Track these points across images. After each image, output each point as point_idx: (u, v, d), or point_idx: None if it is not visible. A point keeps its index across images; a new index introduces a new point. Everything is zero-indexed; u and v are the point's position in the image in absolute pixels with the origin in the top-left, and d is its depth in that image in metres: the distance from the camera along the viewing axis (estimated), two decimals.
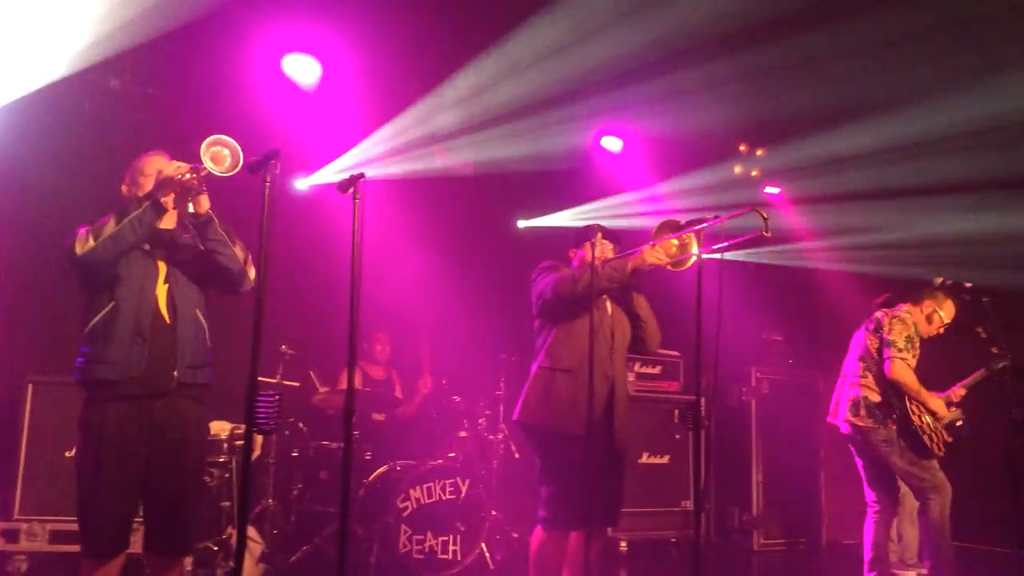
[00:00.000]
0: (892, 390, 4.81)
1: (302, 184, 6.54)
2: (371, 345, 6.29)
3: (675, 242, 3.75)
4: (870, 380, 4.92)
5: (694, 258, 3.61)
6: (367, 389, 5.91)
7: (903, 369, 4.78)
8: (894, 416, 4.79)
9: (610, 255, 3.95)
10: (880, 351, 4.88)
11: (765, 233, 3.23)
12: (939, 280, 4.76)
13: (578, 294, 3.72)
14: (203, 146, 3.03)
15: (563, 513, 3.70)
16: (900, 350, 4.80)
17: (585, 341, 3.65)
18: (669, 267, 3.75)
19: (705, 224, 3.52)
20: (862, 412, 4.87)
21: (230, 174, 3.04)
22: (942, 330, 5.13)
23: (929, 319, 5.06)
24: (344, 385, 3.11)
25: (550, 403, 3.76)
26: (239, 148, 3.03)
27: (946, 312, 5.08)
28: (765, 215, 3.26)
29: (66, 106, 5.54)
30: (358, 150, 6.30)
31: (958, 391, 5.42)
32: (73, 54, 5.11)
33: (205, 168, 3.05)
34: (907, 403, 4.79)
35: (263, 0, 5.66)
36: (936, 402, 4.90)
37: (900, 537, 5.89)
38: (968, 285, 4.66)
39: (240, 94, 6.01)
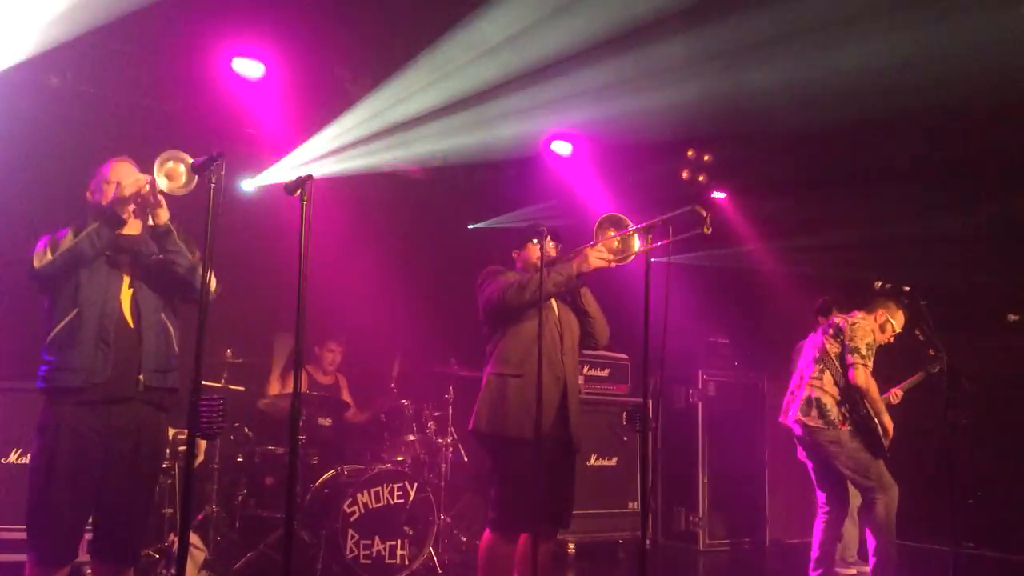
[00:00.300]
0: (853, 393, 4.89)
1: (249, 185, 6.45)
2: (322, 353, 6.23)
3: (616, 240, 3.79)
4: (825, 382, 4.98)
5: (635, 253, 3.70)
6: (314, 393, 5.85)
7: (867, 376, 4.87)
8: (847, 418, 4.87)
9: (554, 254, 3.97)
10: (842, 357, 4.95)
11: (706, 230, 3.28)
12: (878, 284, 4.83)
13: (526, 301, 3.75)
14: (157, 162, 3.05)
15: (513, 515, 3.71)
16: (863, 356, 4.88)
17: (534, 345, 3.65)
18: (612, 265, 3.79)
19: (644, 225, 3.58)
20: (813, 412, 4.93)
21: (186, 191, 3.07)
22: (893, 339, 5.24)
23: (882, 328, 5.14)
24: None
25: (504, 410, 3.75)
26: (191, 160, 3.03)
27: (898, 321, 5.18)
28: (704, 212, 3.30)
29: (2, 105, 5.38)
30: (306, 151, 6.22)
31: (896, 393, 5.55)
32: (8, 49, 4.96)
33: (159, 186, 3.06)
34: (865, 404, 4.88)
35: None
36: (887, 416, 4.99)
37: (840, 536, 6.00)
38: (906, 288, 4.75)
39: (186, 94, 5.89)
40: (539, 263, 3.76)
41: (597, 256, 3.76)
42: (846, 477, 4.98)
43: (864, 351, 4.90)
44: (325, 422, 5.98)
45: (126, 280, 3.28)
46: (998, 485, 6.77)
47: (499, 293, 3.80)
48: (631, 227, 3.73)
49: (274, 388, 5.94)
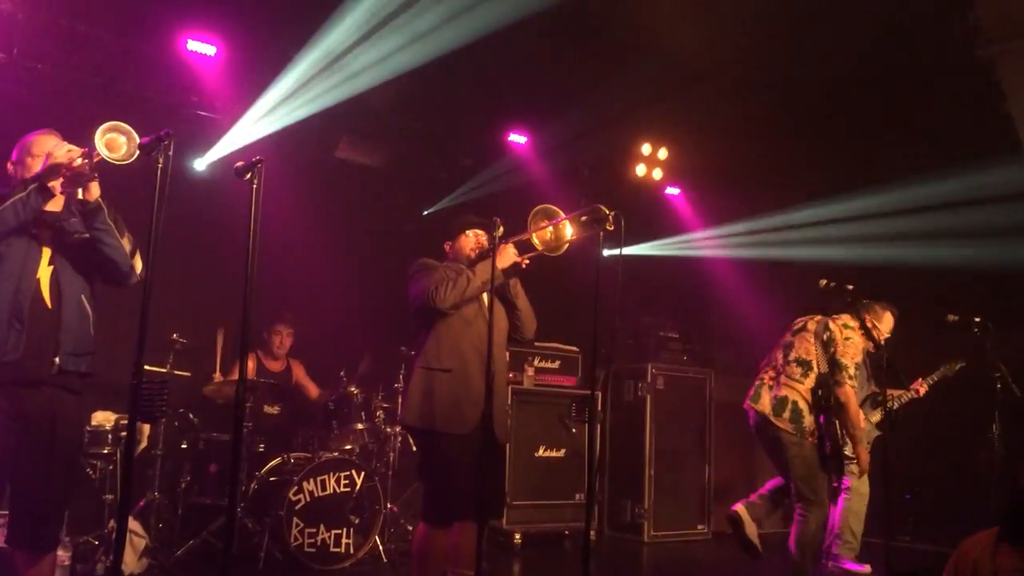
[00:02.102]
0: (832, 405, 4.84)
1: (200, 165, 6.34)
2: (270, 337, 6.12)
3: (532, 234, 3.85)
4: (804, 387, 4.87)
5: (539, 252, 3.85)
6: (261, 380, 5.77)
7: (852, 396, 4.83)
8: (814, 431, 4.81)
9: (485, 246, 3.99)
10: (830, 365, 4.89)
11: (608, 227, 3.39)
12: (823, 283, 4.83)
13: (453, 304, 3.78)
14: (98, 132, 2.90)
15: (442, 509, 3.74)
16: (851, 376, 4.84)
17: (463, 339, 3.78)
18: (524, 264, 3.86)
19: (553, 223, 3.76)
20: (785, 415, 4.82)
21: (126, 162, 2.92)
22: (880, 343, 5.22)
23: (867, 335, 5.14)
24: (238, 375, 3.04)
25: (432, 404, 3.76)
26: (135, 134, 2.91)
27: (885, 327, 5.22)
28: (607, 212, 3.40)
29: None
30: (256, 132, 6.11)
31: (921, 385, 5.67)
32: None
33: (99, 155, 2.91)
34: (841, 420, 4.85)
35: None
36: (862, 446, 4.98)
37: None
38: (849, 287, 4.80)
39: (137, 73, 5.77)
40: (471, 255, 3.93)
41: (505, 257, 3.79)
42: (791, 480, 4.93)
43: (852, 371, 4.85)
44: (272, 410, 5.91)
45: (46, 257, 3.15)
46: (934, 480, 6.95)
47: (426, 297, 3.78)
48: (534, 231, 3.82)
49: (217, 377, 5.83)
